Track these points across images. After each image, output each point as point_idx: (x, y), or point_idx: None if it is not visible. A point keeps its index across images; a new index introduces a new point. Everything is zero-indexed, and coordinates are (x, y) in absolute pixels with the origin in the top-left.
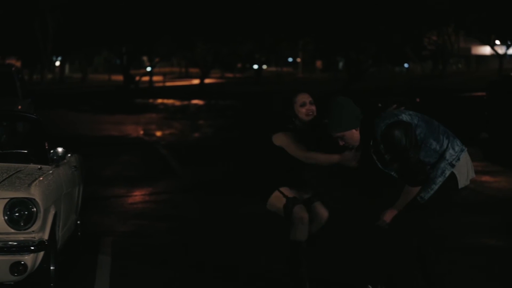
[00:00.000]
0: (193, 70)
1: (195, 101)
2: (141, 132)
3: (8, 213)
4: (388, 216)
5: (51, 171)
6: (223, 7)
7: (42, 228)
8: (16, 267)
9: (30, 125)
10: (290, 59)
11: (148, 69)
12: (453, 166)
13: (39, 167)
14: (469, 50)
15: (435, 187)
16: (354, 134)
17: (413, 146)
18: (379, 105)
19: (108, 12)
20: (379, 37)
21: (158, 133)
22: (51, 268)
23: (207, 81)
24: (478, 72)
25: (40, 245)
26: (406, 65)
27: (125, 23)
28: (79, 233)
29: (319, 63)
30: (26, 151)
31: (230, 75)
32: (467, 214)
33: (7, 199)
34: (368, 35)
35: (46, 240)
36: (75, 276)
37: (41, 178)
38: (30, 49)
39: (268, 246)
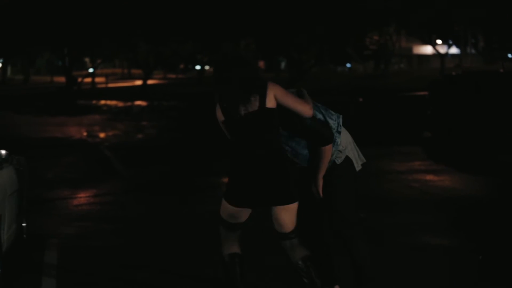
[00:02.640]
0: (135, 71)
1: (138, 102)
2: (84, 133)
3: None
4: (319, 186)
5: None
6: (164, 7)
7: None
8: None
9: None
10: None
11: (91, 70)
12: (339, 132)
13: None
14: (410, 49)
15: (333, 156)
16: None
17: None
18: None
19: (50, 13)
20: (321, 37)
21: (102, 135)
22: None
23: (149, 82)
24: (420, 72)
25: None
26: (348, 65)
27: (67, 25)
28: (24, 236)
29: (261, 63)
30: None
31: (172, 76)
32: (411, 213)
33: None
34: (309, 34)
35: None
36: (20, 279)
37: None
38: None
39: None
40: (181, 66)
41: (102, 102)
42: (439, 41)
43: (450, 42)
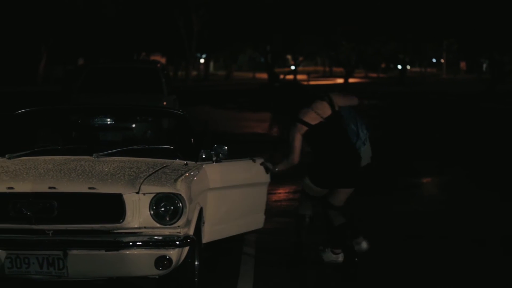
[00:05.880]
0: (337, 69)
1: None
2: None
3: (154, 207)
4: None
5: (197, 167)
6: (366, 6)
7: (187, 224)
8: (161, 261)
9: (176, 121)
10: (434, 60)
11: (292, 67)
12: (364, 144)
13: (185, 163)
14: None
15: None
16: None
17: None
18: None
19: (253, 11)
20: None
21: None
22: (196, 263)
23: (351, 80)
24: None
25: (185, 240)
26: None
27: (270, 22)
28: None
29: (463, 64)
30: (172, 147)
31: (374, 75)
32: None
33: (153, 194)
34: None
35: (191, 235)
36: (219, 271)
37: (187, 174)
38: (175, 46)
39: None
40: (383, 65)
41: None
42: None
43: None
